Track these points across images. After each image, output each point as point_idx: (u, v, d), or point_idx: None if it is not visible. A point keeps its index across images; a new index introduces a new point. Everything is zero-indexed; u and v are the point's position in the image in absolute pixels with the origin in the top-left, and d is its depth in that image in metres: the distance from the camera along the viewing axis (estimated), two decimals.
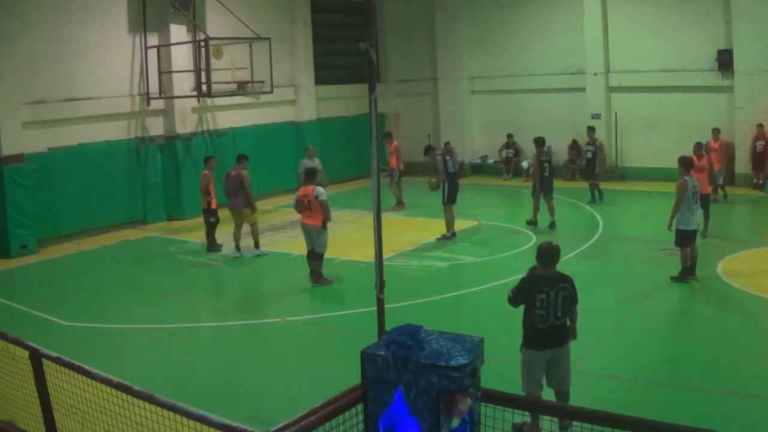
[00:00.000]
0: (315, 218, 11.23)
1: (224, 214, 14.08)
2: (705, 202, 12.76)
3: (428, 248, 13.72)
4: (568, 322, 6.39)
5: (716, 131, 16.92)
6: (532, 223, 14.93)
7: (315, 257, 11.46)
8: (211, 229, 13.97)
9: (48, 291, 12.07)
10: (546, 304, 6.02)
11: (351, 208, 17.36)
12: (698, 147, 13.40)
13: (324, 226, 11.26)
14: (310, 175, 11.57)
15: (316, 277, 11.51)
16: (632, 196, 18.42)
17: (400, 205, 17.52)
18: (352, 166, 21.64)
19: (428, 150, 15.05)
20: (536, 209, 14.91)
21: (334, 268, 12.03)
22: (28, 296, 11.60)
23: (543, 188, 14.82)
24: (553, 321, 6.09)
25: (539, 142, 15.14)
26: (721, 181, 16.34)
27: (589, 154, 17.82)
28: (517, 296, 6.23)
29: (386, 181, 16.58)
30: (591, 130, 18.28)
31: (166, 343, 9.53)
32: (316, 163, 17.00)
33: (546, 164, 14.84)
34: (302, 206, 11.34)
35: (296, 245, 13.72)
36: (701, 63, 18.93)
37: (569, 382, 6.42)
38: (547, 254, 6.19)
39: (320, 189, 11.31)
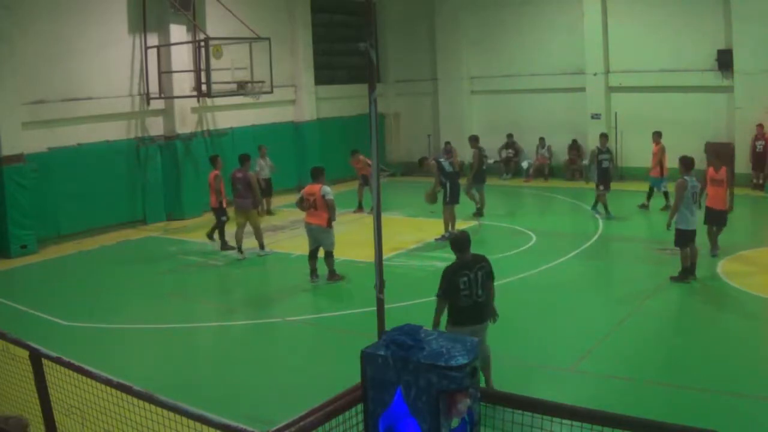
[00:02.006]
0: (320, 217, 11.25)
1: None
2: (721, 219, 11.75)
3: (428, 248, 13.71)
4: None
5: (657, 134, 16.29)
6: (479, 214, 15.90)
7: (326, 255, 11.48)
8: (222, 227, 14.03)
9: (48, 291, 12.07)
10: (468, 285, 6.64)
11: (350, 207, 17.36)
12: (715, 158, 12.18)
13: (329, 225, 11.29)
14: (317, 174, 11.55)
15: (330, 274, 11.53)
16: (632, 196, 18.41)
17: (360, 209, 17.44)
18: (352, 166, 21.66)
19: (422, 162, 15.29)
20: (481, 200, 16.10)
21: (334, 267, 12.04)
22: (28, 296, 11.60)
23: (482, 180, 15.99)
24: (475, 299, 6.70)
25: (477, 139, 16.46)
26: (664, 188, 15.86)
27: (606, 164, 15.47)
28: (446, 288, 6.67)
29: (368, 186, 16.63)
30: (604, 137, 16.11)
31: (166, 343, 9.53)
32: (268, 162, 17.05)
33: (485, 158, 16.49)
34: (307, 204, 11.32)
35: (296, 245, 13.74)
36: (701, 63, 18.93)
37: (488, 364, 6.76)
38: (460, 242, 6.87)
39: (327, 188, 11.33)
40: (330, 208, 11.19)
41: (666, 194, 15.85)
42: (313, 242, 11.51)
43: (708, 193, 11.82)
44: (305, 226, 11.58)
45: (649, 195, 16.31)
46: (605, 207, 15.61)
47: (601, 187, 15.53)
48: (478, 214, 15.96)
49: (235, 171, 13.66)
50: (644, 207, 16.28)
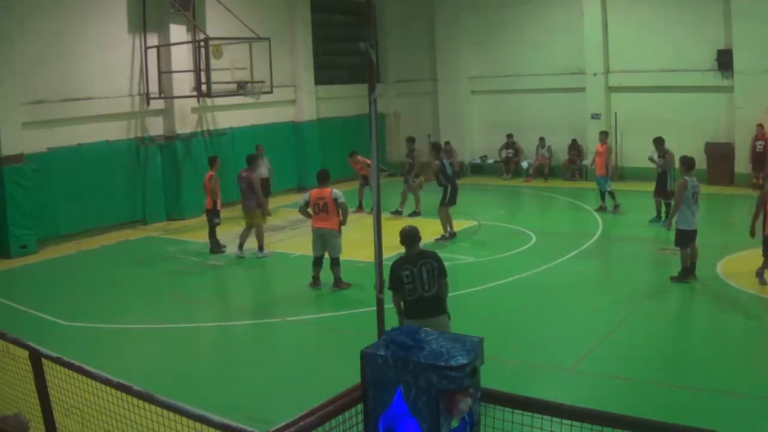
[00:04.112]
0: (331, 221, 10.98)
1: (227, 213, 14.08)
2: None
3: (428, 248, 13.67)
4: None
5: (603, 134, 16.50)
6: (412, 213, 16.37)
7: (333, 263, 11.20)
8: (214, 229, 13.96)
9: (48, 291, 12.06)
10: (411, 279, 6.72)
11: (350, 208, 17.30)
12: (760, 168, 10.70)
13: (339, 229, 11.10)
14: (324, 178, 11.33)
15: (336, 281, 11.26)
16: (632, 196, 18.41)
17: (360, 209, 17.43)
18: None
19: (434, 146, 15.19)
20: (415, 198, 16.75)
21: None
22: (28, 296, 11.59)
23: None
24: (421, 293, 6.74)
25: (413, 140, 17.67)
26: (608, 188, 15.94)
27: (660, 169, 14.53)
28: (391, 281, 6.76)
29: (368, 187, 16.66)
30: (659, 142, 14.75)
31: (167, 343, 9.52)
32: (266, 161, 17.02)
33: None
34: (317, 209, 11.04)
35: (296, 245, 13.74)
36: (701, 63, 18.93)
37: None
38: (408, 236, 7.01)
39: (337, 191, 11.13)
40: (344, 211, 11.03)
41: (612, 194, 15.99)
42: (320, 248, 11.17)
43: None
44: (314, 230, 11.18)
45: (602, 196, 16.29)
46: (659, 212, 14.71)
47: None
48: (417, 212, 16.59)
49: (241, 171, 13.69)
50: (602, 209, 16.21)
